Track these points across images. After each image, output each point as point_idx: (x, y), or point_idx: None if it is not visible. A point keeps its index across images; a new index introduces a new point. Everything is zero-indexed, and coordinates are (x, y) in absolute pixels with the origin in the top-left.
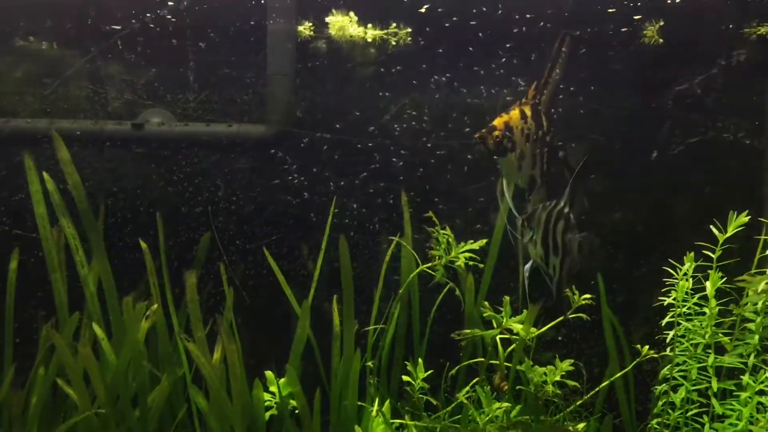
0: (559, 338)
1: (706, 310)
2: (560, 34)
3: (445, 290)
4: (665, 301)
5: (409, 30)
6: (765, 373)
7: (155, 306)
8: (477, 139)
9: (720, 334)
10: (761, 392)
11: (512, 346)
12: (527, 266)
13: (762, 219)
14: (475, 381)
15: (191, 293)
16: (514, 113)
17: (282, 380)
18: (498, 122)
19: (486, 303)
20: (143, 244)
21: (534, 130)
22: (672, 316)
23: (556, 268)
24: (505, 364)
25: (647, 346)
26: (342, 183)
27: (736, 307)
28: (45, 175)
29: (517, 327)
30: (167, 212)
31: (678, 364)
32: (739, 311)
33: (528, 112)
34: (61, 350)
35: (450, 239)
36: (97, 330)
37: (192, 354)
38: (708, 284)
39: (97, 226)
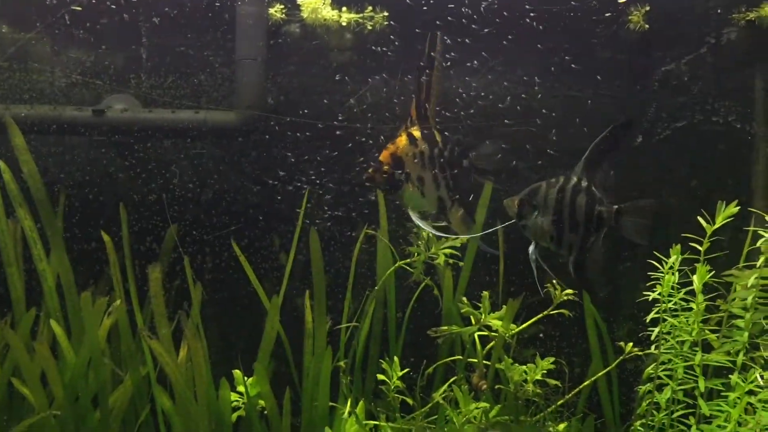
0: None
1: (692, 305)
2: (428, 37)
3: (422, 286)
4: (650, 296)
5: (386, 14)
6: (754, 372)
7: (118, 302)
8: (366, 180)
9: (707, 331)
10: (750, 392)
11: (491, 344)
12: (531, 249)
13: (752, 209)
14: (452, 380)
15: (155, 288)
16: (401, 140)
17: (250, 380)
18: (384, 156)
19: (464, 299)
20: (105, 237)
21: (428, 151)
22: (657, 312)
23: (573, 245)
24: (485, 362)
25: (631, 344)
26: (315, 172)
27: (724, 303)
28: (1, 164)
29: (496, 323)
30: (130, 203)
31: (663, 363)
32: (726, 307)
33: (417, 134)
34: (16, 349)
35: (430, 236)
36: (56, 327)
37: (156, 352)
38: (695, 278)
39: (55, 218)
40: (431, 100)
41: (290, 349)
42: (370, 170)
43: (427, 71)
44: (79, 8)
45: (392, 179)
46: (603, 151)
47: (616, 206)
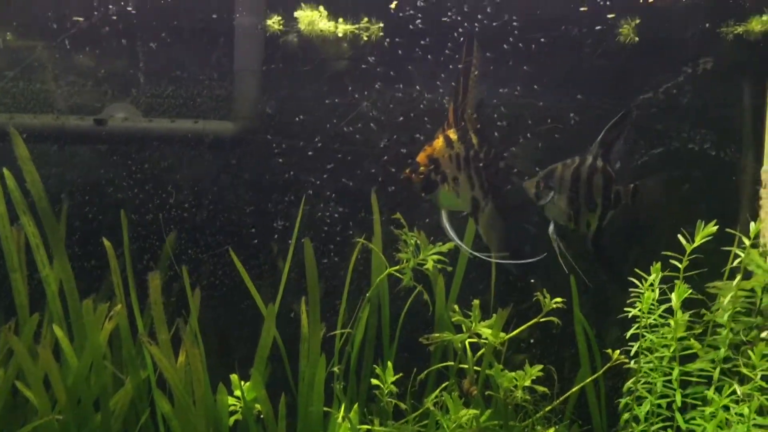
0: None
1: (671, 321)
2: (464, 41)
3: (414, 293)
4: (630, 312)
5: (381, 25)
6: (730, 387)
7: (119, 307)
8: (402, 180)
9: (691, 339)
10: (726, 408)
11: (481, 351)
12: (551, 229)
13: (730, 230)
14: (443, 386)
15: (155, 295)
16: (438, 142)
17: (246, 385)
18: (421, 157)
19: (456, 306)
20: (107, 243)
21: (464, 153)
22: (637, 328)
23: (591, 224)
24: (475, 368)
25: (618, 351)
26: (311, 182)
27: (708, 313)
28: (5, 171)
29: (486, 332)
30: (131, 211)
31: (644, 376)
32: (711, 317)
33: (453, 136)
34: (20, 354)
35: (419, 241)
36: (58, 332)
37: (155, 357)
38: (673, 296)
39: (57, 226)
40: (468, 103)
41: (286, 353)
42: (407, 171)
43: (463, 76)
44: (80, 19)
45: (429, 180)
46: (616, 134)
47: (632, 184)
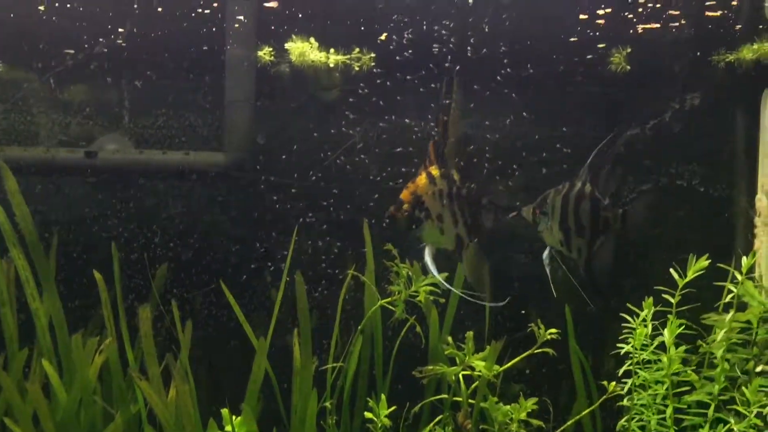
0: None
1: (664, 358)
2: (445, 78)
3: (407, 325)
4: (623, 349)
5: (373, 55)
6: (726, 425)
7: (109, 340)
8: (387, 218)
9: (688, 371)
10: None
11: (475, 384)
12: (545, 254)
13: (722, 265)
14: (437, 419)
15: (145, 328)
16: (421, 179)
17: (237, 419)
18: (405, 195)
19: (449, 339)
20: (97, 275)
21: (447, 189)
22: (630, 365)
23: (582, 249)
24: (470, 401)
25: (614, 383)
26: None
27: (704, 344)
28: None
29: (479, 365)
30: (122, 242)
31: (637, 414)
32: (707, 349)
33: (435, 172)
34: (8, 391)
35: (411, 273)
36: (47, 367)
37: (145, 393)
38: (666, 332)
39: (47, 259)
40: (449, 140)
41: (279, 386)
42: (391, 208)
43: (444, 113)
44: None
45: (412, 217)
46: (604, 159)
47: (621, 209)
